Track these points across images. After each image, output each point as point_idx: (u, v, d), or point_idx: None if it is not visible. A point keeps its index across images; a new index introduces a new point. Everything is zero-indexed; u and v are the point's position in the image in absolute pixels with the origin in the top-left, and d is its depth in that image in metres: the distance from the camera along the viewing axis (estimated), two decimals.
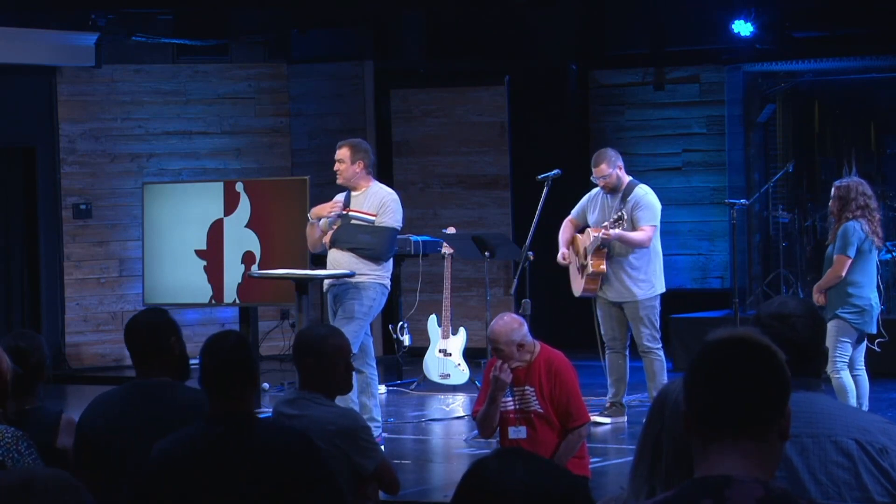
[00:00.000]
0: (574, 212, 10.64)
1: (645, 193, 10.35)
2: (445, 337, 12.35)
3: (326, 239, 9.91)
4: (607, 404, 10.47)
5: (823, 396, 3.74)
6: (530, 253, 10.24)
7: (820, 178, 14.78)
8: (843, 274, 9.32)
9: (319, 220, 9.87)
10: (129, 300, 14.21)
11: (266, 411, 10.44)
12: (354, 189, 9.86)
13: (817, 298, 9.41)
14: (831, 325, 9.14)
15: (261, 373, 11.75)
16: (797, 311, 3.78)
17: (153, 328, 5.28)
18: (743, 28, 13.68)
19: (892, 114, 14.55)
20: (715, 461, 2.65)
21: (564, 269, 10.67)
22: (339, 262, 9.75)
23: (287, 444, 4.55)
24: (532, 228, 10.26)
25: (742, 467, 2.62)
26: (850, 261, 9.31)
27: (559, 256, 10.55)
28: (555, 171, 10.43)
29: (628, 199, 10.29)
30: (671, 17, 14.43)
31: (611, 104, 15.25)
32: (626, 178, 10.42)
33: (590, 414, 7.67)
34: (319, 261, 10.38)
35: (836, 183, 9.63)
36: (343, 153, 9.84)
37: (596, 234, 10.30)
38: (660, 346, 10.41)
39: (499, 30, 14.62)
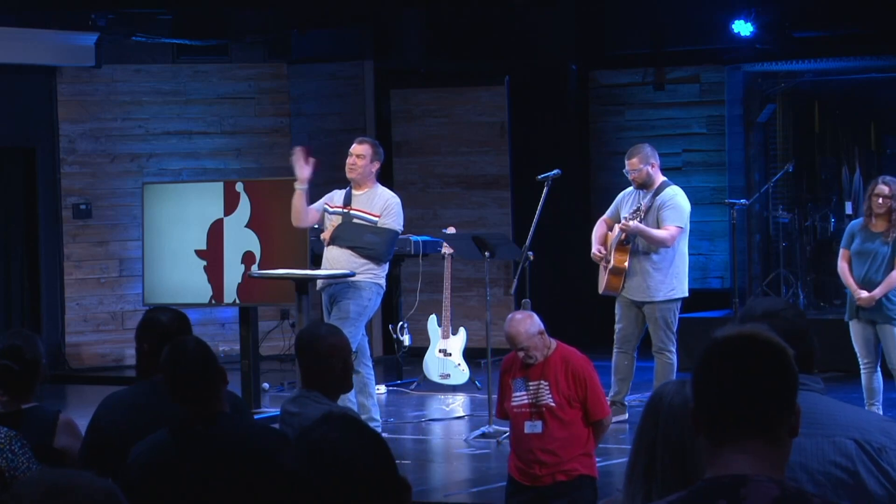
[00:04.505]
0: (609, 211, 10.58)
1: (675, 194, 10.30)
2: (445, 337, 12.34)
3: (326, 235, 9.91)
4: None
5: (821, 396, 3.68)
6: (530, 253, 10.22)
7: (820, 178, 14.77)
8: None
9: (304, 184, 9.85)
10: (129, 300, 14.21)
11: (264, 412, 10.45)
12: (359, 188, 9.85)
13: (868, 301, 9.33)
14: None
15: (261, 373, 11.74)
16: (782, 305, 3.78)
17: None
18: (743, 28, 13.67)
19: (892, 114, 14.53)
20: (727, 461, 2.60)
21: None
22: (338, 259, 9.74)
23: (264, 443, 4.55)
24: (532, 228, 10.24)
25: (755, 467, 2.58)
26: None
27: (594, 251, 10.47)
28: (555, 171, 10.41)
29: (657, 197, 10.25)
30: (671, 17, 14.42)
31: (611, 104, 15.24)
32: (660, 177, 10.35)
33: None
34: (319, 261, 10.38)
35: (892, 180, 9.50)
36: (364, 149, 9.86)
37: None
38: (673, 349, 10.36)
39: (499, 30, 14.61)
